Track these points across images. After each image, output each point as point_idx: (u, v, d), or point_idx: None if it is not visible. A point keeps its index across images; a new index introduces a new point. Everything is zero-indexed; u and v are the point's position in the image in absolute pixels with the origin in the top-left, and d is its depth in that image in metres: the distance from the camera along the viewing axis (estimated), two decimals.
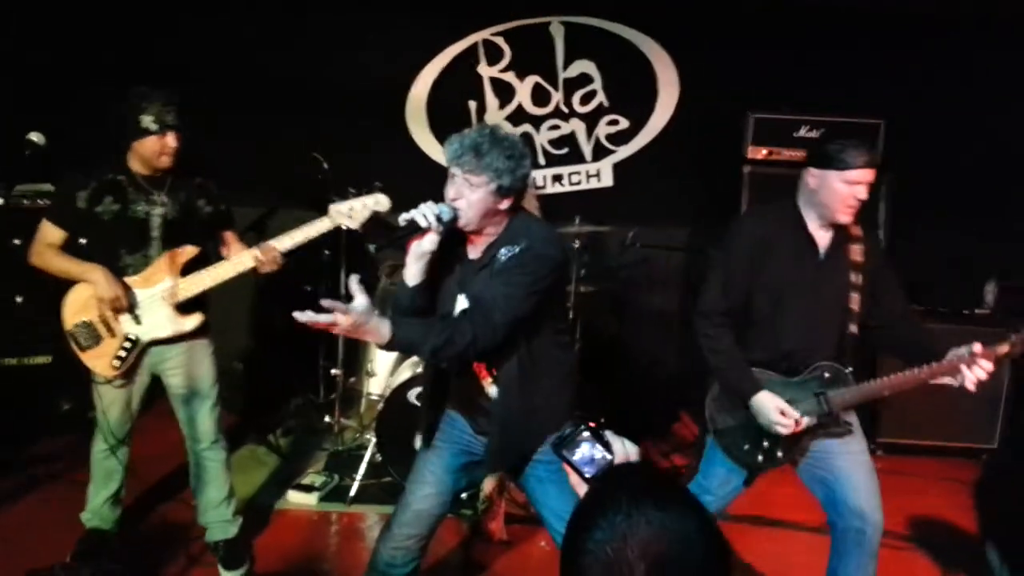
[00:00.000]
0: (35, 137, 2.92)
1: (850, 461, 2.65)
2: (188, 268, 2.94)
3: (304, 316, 2.03)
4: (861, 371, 2.68)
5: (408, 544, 2.48)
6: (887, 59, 4.74)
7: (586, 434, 1.38)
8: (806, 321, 2.61)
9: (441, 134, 5.02)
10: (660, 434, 4.57)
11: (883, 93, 4.68)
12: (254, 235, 4.51)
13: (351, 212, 3.03)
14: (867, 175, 2.50)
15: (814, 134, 4.46)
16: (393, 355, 4.26)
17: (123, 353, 2.92)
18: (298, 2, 4.80)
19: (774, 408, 2.56)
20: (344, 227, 3.12)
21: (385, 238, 2.27)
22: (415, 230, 2.24)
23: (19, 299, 3.99)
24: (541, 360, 2.35)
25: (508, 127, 5.01)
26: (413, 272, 2.31)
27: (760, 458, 2.68)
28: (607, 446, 1.37)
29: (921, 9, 4.63)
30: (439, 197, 4.85)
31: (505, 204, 2.29)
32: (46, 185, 4.06)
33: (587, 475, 1.34)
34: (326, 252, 4.35)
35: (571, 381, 2.51)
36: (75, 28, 4.63)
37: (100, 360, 2.93)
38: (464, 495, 3.52)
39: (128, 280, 2.89)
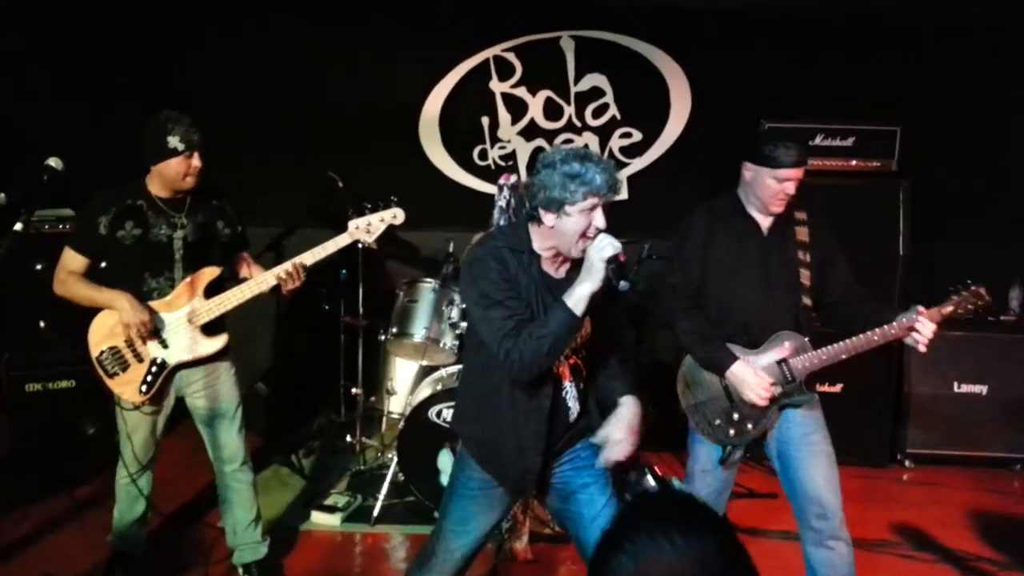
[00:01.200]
0: (53, 162, 2.92)
1: (808, 451, 2.74)
2: (210, 290, 2.95)
3: None
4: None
5: None
6: (902, 65, 4.72)
7: (651, 481, 1.36)
8: (758, 296, 2.77)
9: (454, 150, 5.05)
10: (684, 447, 4.52)
11: (899, 99, 4.67)
12: (272, 255, 4.57)
13: (369, 227, 3.10)
14: (796, 173, 2.68)
15: (829, 142, 4.44)
16: (412, 373, 4.27)
17: (150, 378, 2.92)
18: (308, 23, 4.84)
19: (752, 373, 2.69)
20: (363, 243, 3.19)
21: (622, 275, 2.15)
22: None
23: (42, 324, 4.01)
24: None
25: (520, 142, 5.04)
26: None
27: (732, 432, 2.78)
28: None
29: (934, 13, 4.62)
30: (453, 212, 4.91)
31: None
32: (66, 210, 4.10)
33: None
34: (343, 271, 4.35)
35: None
36: (89, 52, 4.67)
37: (128, 387, 2.92)
38: None
39: (152, 304, 2.89)
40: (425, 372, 4.11)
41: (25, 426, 4.07)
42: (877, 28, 4.72)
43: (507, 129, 5.05)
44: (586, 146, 5.01)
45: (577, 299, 2.13)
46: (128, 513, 3.11)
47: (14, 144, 4.29)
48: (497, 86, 5.02)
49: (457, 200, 5.01)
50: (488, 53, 4.98)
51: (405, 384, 4.31)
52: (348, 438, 4.36)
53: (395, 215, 3.15)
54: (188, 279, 2.92)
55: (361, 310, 4.26)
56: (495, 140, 5.06)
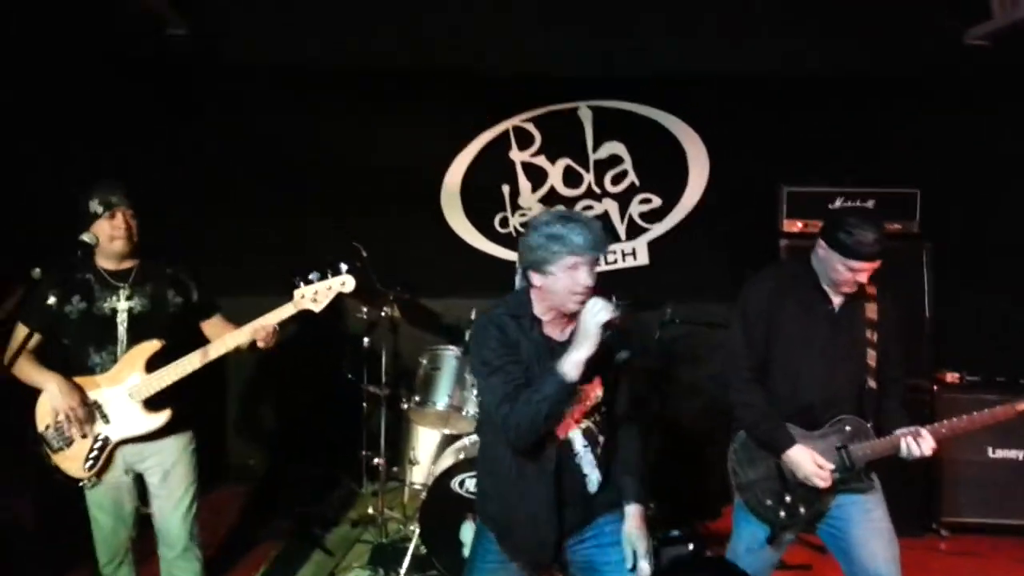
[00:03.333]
0: (87, 237, 2.91)
1: (868, 529, 2.64)
2: (155, 362, 2.85)
3: None
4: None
5: None
6: (920, 128, 4.77)
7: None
8: (823, 373, 2.66)
9: (476, 218, 5.12)
10: (713, 514, 4.42)
11: (917, 161, 4.69)
12: (293, 324, 4.60)
13: (315, 296, 2.90)
14: (870, 266, 2.57)
15: (849, 205, 4.45)
16: (435, 443, 4.24)
17: (95, 454, 2.84)
18: (333, 97, 5.00)
19: (810, 460, 2.59)
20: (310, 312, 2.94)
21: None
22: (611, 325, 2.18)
23: None
24: None
25: (541, 210, 5.10)
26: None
27: (782, 514, 2.68)
28: None
29: (947, 76, 4.68)
30: (475, 280, 4.94)
31: None
32: None
33: None
34: (366, 340, 4.37)
35: None
36: (101, 114, 4.76)
37: (73, 462, 2.84)
38: None
39: (96, 379, 2.84)
40: (448, 441, 4.08)
41: (51, 497, 4.06)
42: (892, 91, 4.79)
43: (527, 197, 5.12)
44: (606, 212, 5.09)
45: (571, 364, 2.14)
46: None
47: (49, 220, 4.40)
48: (517, 155, 5.12)
49: (479, 268, 5.06)
50: (508, 124, 5.11)
51: (428, 454, 4.27)
52: (370, 510, 4.31)
53: (343, 283, 2.91)
54: (128, 354, 2.84)
55: (384, 378, 4.26)
56: (516, 208, 5.14)
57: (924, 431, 2.57)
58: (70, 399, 2.78)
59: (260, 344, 2.91)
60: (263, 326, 2.88)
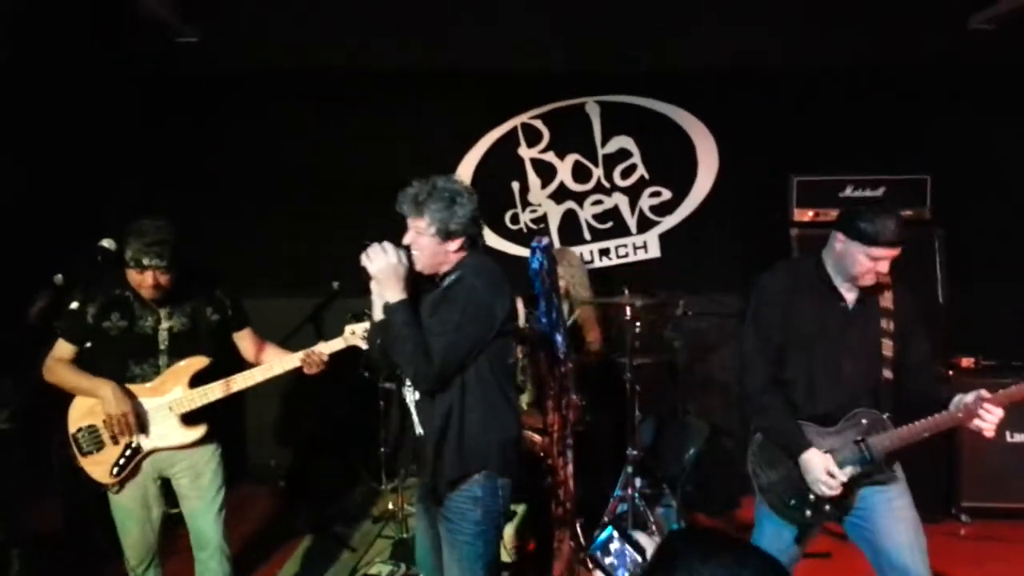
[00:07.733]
0: (106, 243, 3.00)
1: (893, 518, 2.59)
2: (197, 379, 2.94)
3: None
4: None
5: None
6: (929, 114, 4.77)
7: (615, 536, 1.39)
8: (837, 372, 2.61)
9: (486, 215, 5.07)
10: (731, 506, 4.43)
11: (927, 147, 4.69)
12: (312, 326, 4.67)
13: (366, 334, 3.01)
14: (892, 253, 2.52)
15: (859, 194, 4.46)
16: None
17: (123, 461, 2.90)
18: (341, 100, 5.05)
19: (822, 467, 2.54)
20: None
21: None
22: None
23: None
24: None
25: (551, 205, 5.12)
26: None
27: (808, 513, 2.63)
28: (636, 546, 1.37)
29: (953, 63, 4.68)
30: None
31: (453, 246, 2.50)
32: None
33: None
34: (379, 341, 4.40)
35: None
36: (113, 122, 4.87)
37: (99, 467, 2.90)
38: None
39: (135, 388, 2.89)
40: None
41: (76, 502, 4.11)
42: (899, 78, 4.79)
43: (537, 193, 5.15)
44: (616, 206, 5.10)
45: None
46: None
47: (71, 226, 4.47)
48: (526, 152, 5.15)
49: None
50: (516, 121, 5.14)
51: None
52: (390, 505, 4.35)
53: None
54: (174, 367, 2.91)
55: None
56: (526, 204, 5.17)
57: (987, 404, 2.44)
58: (124, 404, 2.83)
59: (306, 371, 3.04)
60: (315, 353, 3.02)
